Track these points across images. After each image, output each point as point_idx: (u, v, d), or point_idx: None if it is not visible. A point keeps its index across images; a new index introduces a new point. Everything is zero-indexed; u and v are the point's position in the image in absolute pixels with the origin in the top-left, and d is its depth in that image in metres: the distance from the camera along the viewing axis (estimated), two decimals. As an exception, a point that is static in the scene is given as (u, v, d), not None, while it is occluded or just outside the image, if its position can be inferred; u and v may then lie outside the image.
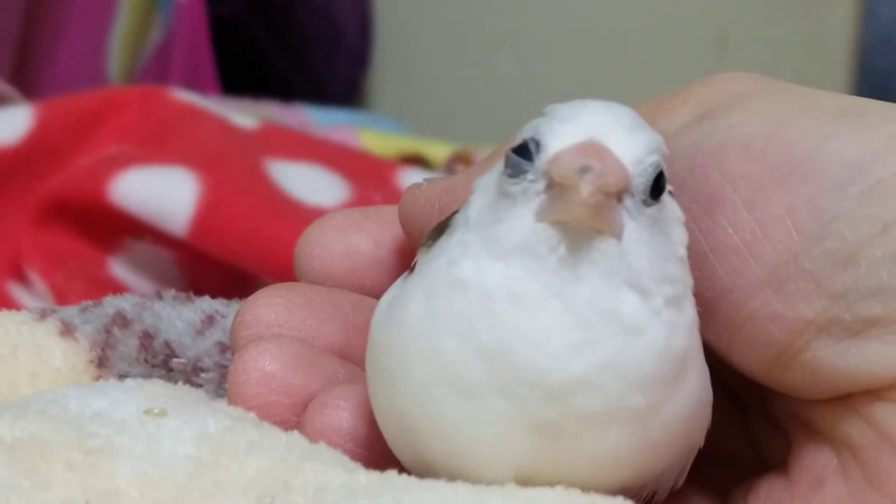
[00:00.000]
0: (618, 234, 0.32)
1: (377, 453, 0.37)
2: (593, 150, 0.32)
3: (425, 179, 0.42)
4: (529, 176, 0.33)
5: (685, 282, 0.35)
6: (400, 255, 0.43)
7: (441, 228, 0.36)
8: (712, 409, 0.39)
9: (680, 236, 0.35)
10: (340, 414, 0.39)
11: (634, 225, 0.33)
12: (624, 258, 0.33)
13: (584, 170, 0.31)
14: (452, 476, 0.34)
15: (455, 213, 0.36)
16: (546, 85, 1.30)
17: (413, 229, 0.41)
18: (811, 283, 0.34)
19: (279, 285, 0.42)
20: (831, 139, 0.35)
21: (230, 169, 0.79)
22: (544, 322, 0.32)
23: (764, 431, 0.40)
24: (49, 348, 0.44)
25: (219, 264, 0.75)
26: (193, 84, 1.07)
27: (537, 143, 0.33)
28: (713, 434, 0.40)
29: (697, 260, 0.36)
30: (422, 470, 0.35)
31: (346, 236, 0.43)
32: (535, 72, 1.34)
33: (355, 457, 0.37)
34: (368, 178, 0.84)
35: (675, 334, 0.33)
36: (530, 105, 0.36)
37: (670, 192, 0.34)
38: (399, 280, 0.38)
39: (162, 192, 0.75)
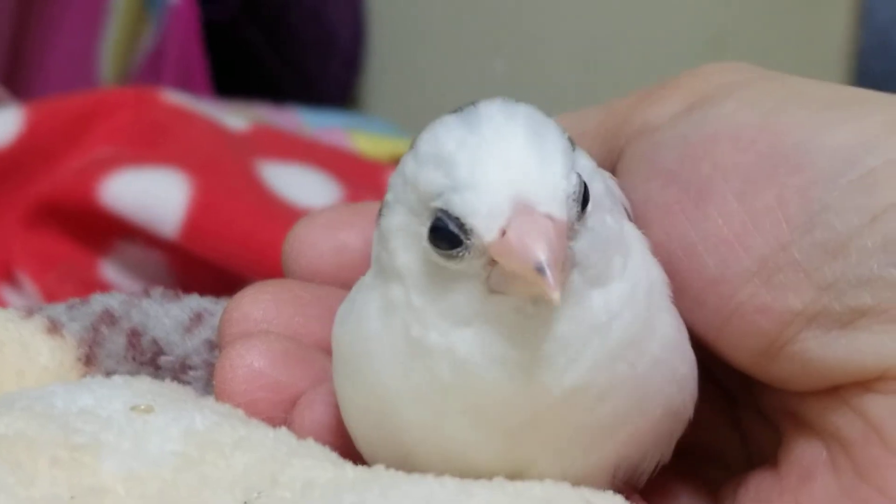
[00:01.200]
0: (570, 271, 0.32)
1: (365, 449, 0.37)
2: (535, 233, 0.31)
3: None
4: (467, 255, 0.32)
5: (627, 239, 0.35)
6: (388, 252, 0.43)
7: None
8: (702, 404, 0.39)
9: (600, 189, 0.34)
10: (329, 410, 0.38)
11: (578, 242, 0.33)
12: (582, 278, 0.33)
13: (540, 269, 0.30)
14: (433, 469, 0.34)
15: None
16: (540, 88, 1.30)
17: None
18: (800, 273, 0.34)
19: (267, 282, 0.42)
20: (822, 129, 0.35)
21: (222, 171, 0.78)
22: (527, 369, 0.32)
23: (754, 426, 0.39)
24: (36, 346, 0.44)
25: (210, 266, 0.75)
26: (186, 87, 1.06)
27: (459, 221, 0.32)
28: (704, 430, 0.40)
29: (687, 251, 0.36)
30: (402, 466, 0.35)
31: (334, 233, 0.43)
32: (528, 75, 1.34)
33: (343, 453, 0.37)
34: (360, 179, 0.84)
35: (634, 302, 0.34)
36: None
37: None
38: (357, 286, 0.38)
39: (153, 194, 0.75)
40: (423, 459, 0.34)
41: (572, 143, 0.34)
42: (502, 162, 0.32)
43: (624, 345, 0.33)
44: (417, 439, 0.34)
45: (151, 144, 0.81)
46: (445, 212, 0.32)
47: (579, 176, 0.33)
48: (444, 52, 1.38)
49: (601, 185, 0.35)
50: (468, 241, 0.32)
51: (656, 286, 0.35)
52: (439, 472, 0.34)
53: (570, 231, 0.32)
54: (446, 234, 0.32)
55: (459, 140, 0.32)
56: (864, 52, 1.27)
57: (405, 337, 0.34)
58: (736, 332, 0.36)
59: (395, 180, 0.35)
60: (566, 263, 0.32)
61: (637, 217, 0.37)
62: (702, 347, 0.37)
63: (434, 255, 0.33)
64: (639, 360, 0.34)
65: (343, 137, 0.99)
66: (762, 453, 0.38)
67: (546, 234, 0.31)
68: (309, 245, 0.43)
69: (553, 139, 0.33)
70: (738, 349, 0.36)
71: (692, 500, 0.39)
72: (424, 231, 0.33)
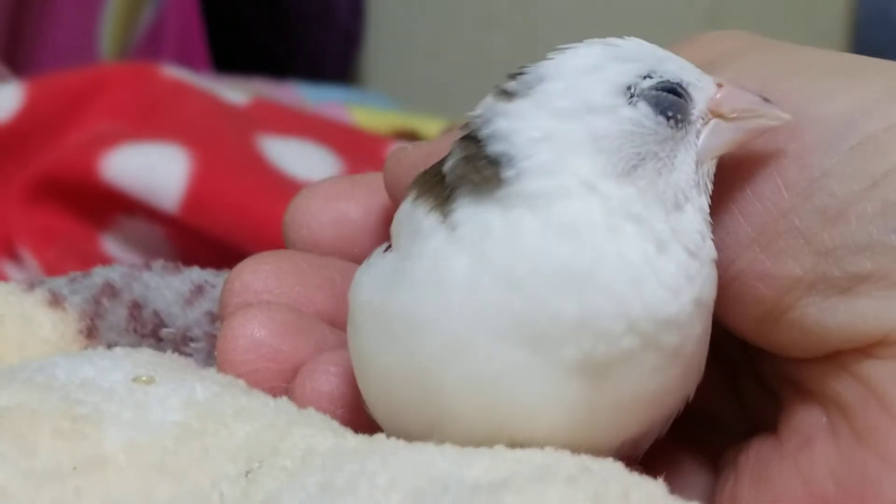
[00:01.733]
0: None
1: (367, 418, 0.37)
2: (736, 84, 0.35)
3: (411, 143, 0.42)
4: (692, 118, 0.34)
5: None
6: (388, 222, 0.42)
7: (426, 182, 0.36)
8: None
9: None
10: (330, 380, 0.38)
11: None
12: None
13: (767, 98, 0.34)
14: (465, 434, 0.34)
15: (440, 163, 0.36)
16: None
17: (398, 193, 0.40)
18: (800, 239, 0.34)
19: (268, 253, 0.42)
20: (821, 95, 0.35)
21: (221, 145, 0.78)
22: (685, 261, 0.34)
23: (754, 394, 0.39)
24: (37, 319, 0.44)
25: (211, 241, 0.75)
26: (185, 63, 1.06)
27: (681, 88, 0.34)
28: (704, 398, 0.40)
29: None
30: (425, 432, 0.35)
31: (334, 204, 0.43)
32: (528, 49, 1.33)
33: (345, 422, 0.37)
34: (360, 153, 0.84)
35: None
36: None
37: None
38: (378, 253, 0.37)
39: (153, 169, 0.75)
40: (459, 417, 0.34)
41: None
42: (667, 52, 0.36)
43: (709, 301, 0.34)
44: (459, 389, 0.34)
45: (151, 119, 0.81)
46: (665, 83, 0.35)
47: None
48: (443, 27, 1.38)
49: None
50: (693, 103, 0.35)
51: None
52: (472, 432, 0.34)
53: None
54: (674, 101, 0.34)
55: (617, 44, 0.36)
56: (861, 24, 1.27)
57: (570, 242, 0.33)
58: (736, 299, 0.36)
59: (513, 117, 0.34)
60: None
61: None
62: None
63: (660, 125, 0.34)
64: (703, 322, 0.35)
65: (342, 112, 0.99)
66: (762, 420, 0.38)
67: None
68: (310, 216, 0.43)
69: None
70: (738, 316, 0.36)
71: (693, 468, 0.39)
72: (633, 103, 0.34)
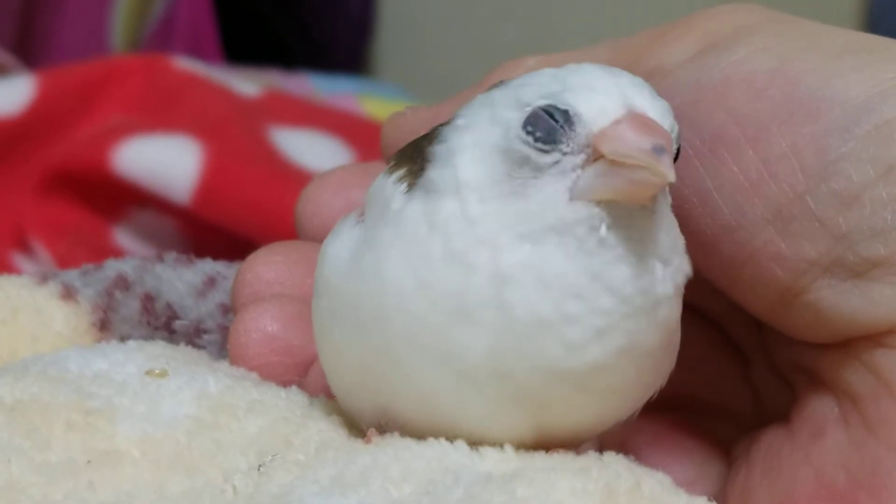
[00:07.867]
0: (654, 208, 0.32)
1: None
2: (650, 125, 0.31)
3: (409, 108, 0.42)
4: (565, 147, 0.31)
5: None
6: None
7: (407, 155, 0.35)
8: (715, 363, 0.39)
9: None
10: None
11: (661, 196, 0.32)
12: (656, 231, 0.32)
13: (659, 150, 0.30)
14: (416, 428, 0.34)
15: (424, 138, 0.35)
16: (552, 52, 1.30)
17: None
18: (815, 223, 0.34)
19: (279, 243, 0.42)
20: (837, 77, 0.34)
21: (233, 137, 0.79)
22: (576, 308, 0.31)
23: (766, 384, 0.39)
24: (50, 312, 0.44)
25: (223, 233, 0.75)
26: (197, 54, 1.06)
27: (566, 113, 0.31)
28: (716, 389, 0.40)
29: (701, 197, 0.36)
30: (378, 417, 0.34)
31: (346, 192, 0.43)
32: (540, 39, 1.33)
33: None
34: (371, 144, 0.84)
35: (678, 296, 0.33)
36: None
37: None
38: (351, 220, 0.36)
39: (165, 161, 0.75)
40: (408, 418, 0.34)
41: None
42: (616, 80, 0.32)
43: (665, 339, 0.33)
44: (404, 400, 0.34)
45: (163, 111, 0.81)
46: (551, 105, 0.31)
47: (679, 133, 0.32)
48: (454, 17, 1.37)
49: None
50: (571, 132, 0.31)
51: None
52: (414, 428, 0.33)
53: None
54: (546, 124, 0.31)
55: (572, 68, 0.33)
56: (876, 6, 1.26)
57: (443, 251, 0.32)
58: (750, 280, 0.35)
59: (468, 108, 0.34)
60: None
61: None
62: (714, 303, 0.37)
63: (524, 146, 0.32)
64: (660, 354, 0.33)
65: (354, 102, 0.99)
66: (775, 410, 0.38)
67: (660, 130, 0.31)
68: (322, 205, 0.43)
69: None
70: (753, 297, 0.36)
71: (706, 459, 0.39)
72: (517, 120, 0.32)
